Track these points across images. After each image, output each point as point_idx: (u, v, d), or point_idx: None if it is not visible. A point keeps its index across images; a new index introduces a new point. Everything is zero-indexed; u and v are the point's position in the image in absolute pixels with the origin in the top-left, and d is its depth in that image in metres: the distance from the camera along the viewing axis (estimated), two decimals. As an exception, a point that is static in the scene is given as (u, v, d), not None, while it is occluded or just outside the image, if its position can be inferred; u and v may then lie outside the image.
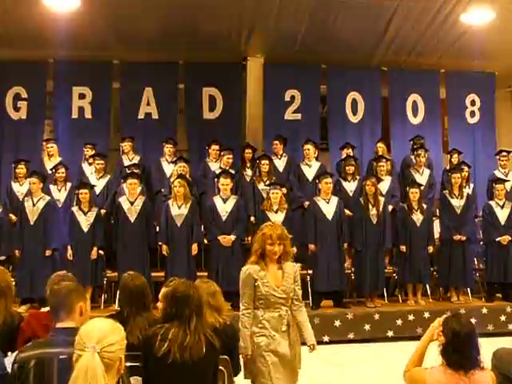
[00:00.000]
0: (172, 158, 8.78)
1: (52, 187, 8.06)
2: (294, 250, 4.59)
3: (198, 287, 3.33)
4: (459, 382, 2.81)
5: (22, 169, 8.22)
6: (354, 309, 7.46)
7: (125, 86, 9.62)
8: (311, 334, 3.97)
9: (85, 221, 7.43)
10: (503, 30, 8.42)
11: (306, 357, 4.05)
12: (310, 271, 7.44)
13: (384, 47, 9.34)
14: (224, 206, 7.49)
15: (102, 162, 8.44)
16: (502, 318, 7.58)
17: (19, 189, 8.16)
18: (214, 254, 7.39)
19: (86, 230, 7.42)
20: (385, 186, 8.34)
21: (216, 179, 7.88)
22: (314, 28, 8.57)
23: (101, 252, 7.50)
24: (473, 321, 3.03)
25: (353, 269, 7.85)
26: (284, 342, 3.83)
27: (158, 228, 7.68)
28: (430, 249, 7.79)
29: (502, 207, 8.01)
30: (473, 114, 10.33)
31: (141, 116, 9.60)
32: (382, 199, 7.71)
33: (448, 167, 9.03)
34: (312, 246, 7.42)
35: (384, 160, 8.59)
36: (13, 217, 7.81)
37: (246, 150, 8.95)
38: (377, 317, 7.36)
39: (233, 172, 8.13)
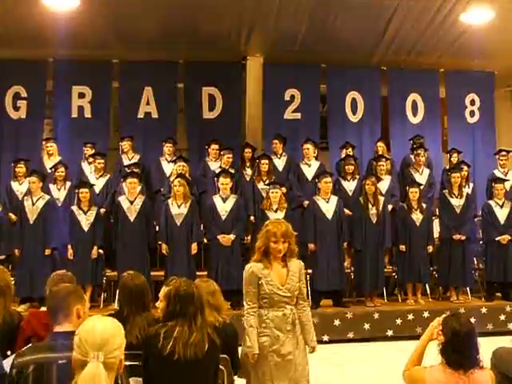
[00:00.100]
0: (172, 157, 8.79)
1: (52, 186, 8.06)
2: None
3: (197, 286, 3.34)
4: (458, 381, 2.81)
5: (21, 168, 8.22)
6: (354, 308, 7.47)
7: (124, 85, 9.63)
8: (313, 336, 3.89)
9: (85, 220, 7.44)
10: (503, 29, 8.42)
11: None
12: (310, 270, 7.44)
13: (384, 47, 9.34)
14: (224, 206, 7.49)
15: (103, 161, 8.45)
16: (502, 317, 7.59)
17: (19, 188, 8.16)
18: (213, 254, 7.39)
19: (86, 229, 7.42)
20: (384, 185, 8.35)
21: (216, 178, 7.89)
22: (313, 28, 8.57)
23: (100, 251, 7.50)
24: (472, 320, 3.03)
25: (352, 268, 7.86)
26: (288, 342, 3.74)
27: (157, 227, 7.69)
28: (430, 248, 7.79)
29: (502, 207, 8.02)
30: (472, 113, 10.33)
31: (140, 115, 9.60)
32: (381, 199, 7.72)
33: (448, 167, 9.03)
34: (312, 246, 7.42)
35: (384, 159, 8.60)
36: (12, 216, 7.80)
37: (246, 150, 8.95)
38: (376, 316, 7.36)
39: (232, 171, 8.14)
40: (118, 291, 4.64)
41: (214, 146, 8.88)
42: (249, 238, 8.07)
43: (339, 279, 7.41)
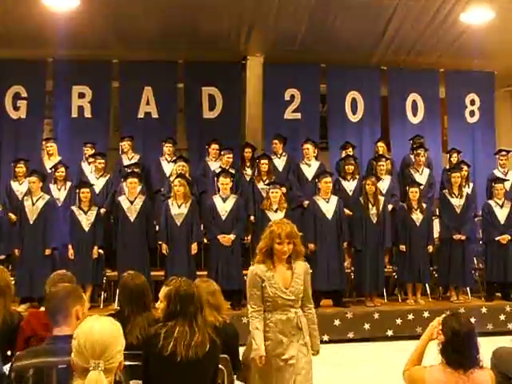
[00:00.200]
0: (172, 157, 8.78)
1: (52, 186, 8.06)
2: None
3: (197, 286, 3.34)
4: (458, 381, 2.81)
5: (21, 168, 8.22)
6: (354, 308, 7.47)
7: (124, 85, 9.62)
8: (317, 339, 3.83)
9: (85, 220, 7.44)
10: (502, 29, 8.42)
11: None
12: (310, 270, 7.42)
13: (383, 47, 9.34)
14: (224, 206, 7.49)
15: (103, 161, 8.45)
16: (502, 317, 7.59)
17: (19, 188, 8.16)
18: (213, 253, 7.39)
19: (87, 229, 7.42)
20: (384, 185, 8.35)
21: (216, 178, 7.88)
22: (313, 28, 8.57)
23: (100, 251, 7.50)
24: (472, 320, 3.03)
25: (352, 268, 7.86)
26: (292, 347, 3.65)
27: (157, 227, 7.69)
28: (430, 248, 7.80)
29: (502, 206, 8.02)
30: (472, 113, 10.33)
31: (140, 115, 9.60)
32: (381, 198, 7.72)
33: (447, 166, 9.03)
34: (311, 246, 7.41)
35: (384, 159, 8.60)
36: (12, 216, 7.80)
37: (246, 150, 8.95)
38: (376, 316, 7.36)
39: (232, 171, 8.14)
40: (118, 291, 4.64)
41: (214, 146, 8.88)
42: (249, 238, 8.08)
43: (339, 279, 7.41)
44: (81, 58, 8.99)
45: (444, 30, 8.71)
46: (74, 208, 7.51)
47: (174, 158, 8.59)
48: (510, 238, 7.84)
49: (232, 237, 7.34)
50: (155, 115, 9.60)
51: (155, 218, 7.78)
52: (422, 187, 8.10)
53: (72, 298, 2.75)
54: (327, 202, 7.56)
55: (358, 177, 8.42)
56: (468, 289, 7.99)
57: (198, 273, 7.28)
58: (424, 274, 7.71)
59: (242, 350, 3.86)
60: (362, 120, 10.03)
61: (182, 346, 2.91)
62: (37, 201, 7.47)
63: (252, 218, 8.11)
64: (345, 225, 7.52)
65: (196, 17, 8.26)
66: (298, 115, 9.84)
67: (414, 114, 10.15)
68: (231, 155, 8.58)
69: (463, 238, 7.78)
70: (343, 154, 9.03)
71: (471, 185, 8.85)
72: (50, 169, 8.34)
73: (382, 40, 9.11)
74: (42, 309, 3.67)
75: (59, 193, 8.06)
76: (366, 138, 9.92)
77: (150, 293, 3.73)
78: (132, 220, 7.45)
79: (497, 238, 7.85)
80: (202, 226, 7.72)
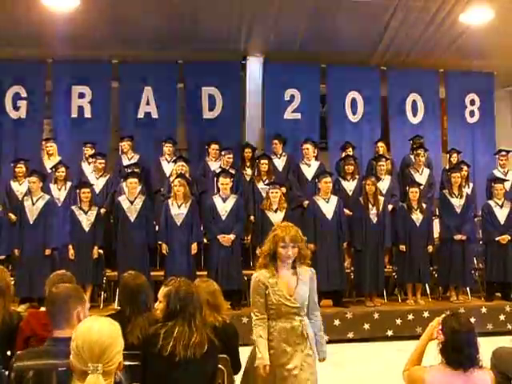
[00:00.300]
0: (171, 157, 8.78)
1: (52, 186, 8.06)
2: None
3: (197, 286, 3.34)
4: (458, 381, 2.81)
5: (21, 168, 8.22)
6: (354, 308, 7.47)
7: (124, 85, 9.61)
8: (323, 347, 3.75)
9: (86, 220, 7.44)
10: (502, 29, 8.42)
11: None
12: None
13: (384, 47, 9.34)
14: (224, 206, 7.49)
15: (103, 161, 8.46)
16: (502, 317, 7.58)
17: (18, 188, 8.16)
18: (213, 254, 7.38)
19: (87, 229, 7.42)
20: (384, 185, 8.35)
21: (216, 178, 7.88)
22: (313, 27, 8.57)
23: (101, 251, 7.50)
24: (472, 320, 3.03)
25: (352, 268, 7.86)
26: (296, 356, 3.55)
27: (157, 227, 7.69)
28: (430, 248, 7.79)
29: (502, 207, 8.01)
30: (472, 113, 10.32)
31: (140, 115, 9.58)
32: (381, 199, 7.72)
33: (447, 167, 9.03)
34: (311, 246, 7.40)
35: (384, 159, 8.59)
36: (12, 216, 7.80)
37: (246, 150, 8.95)
38: (376, 316, 7.36)
39: (232, 171, 8.13)
40: (118, 291, 4.64)
41: (214, 146, 8.88)
42: (249, 238, 8.08)
43: (339, 279, 7.40)
44: (81, 58, 8.99)
45: (444, 30, 8.71)
46: (74, 208, 7.52)
47: (174, 158, 8.59)
48: (509, 238, 7.83)
49: (232, 237, 7.33)
50: (155, 115, 9.59)
51: (155, 218, 7.78)
52: (421, 187, 8.10)
53: (73, 299, 2.74)
54: (327, 202, 7.56)
55: (357, 177, 8.42)
56: (468, 289, 7.99)
57: (197, 273, 7.28)
58: (424, 274, 7.71)
59: (241, 350, 3.85)
60: (362, 120, 10.02)
61: (180, 346, 2.91)
62: (37, 201, 7.46)
63: (252, 218, 8.11)
64: (345, 225, 7.52)
65: (196, 17, 8.27)
66: (298, 115, 9.82)
67: (414, 114, 10.14)
68: (231, 155, 8.57)
69: (464, 238, 7.78)
70: (343, 154, 9.03)
71: (471, 185, 8.85)
72: (50, 169, 8.34)
73: (382, 40, 9.11)
74: (42, 309, 3.67)
75: (59, 193, 8.06)
76: (366, 138, 9.91)
77: (151, 293, 3.73)
78: (132, 220, 7.45)
79: (497, 238, 7.84)
80: (201, 226, 7.72)
